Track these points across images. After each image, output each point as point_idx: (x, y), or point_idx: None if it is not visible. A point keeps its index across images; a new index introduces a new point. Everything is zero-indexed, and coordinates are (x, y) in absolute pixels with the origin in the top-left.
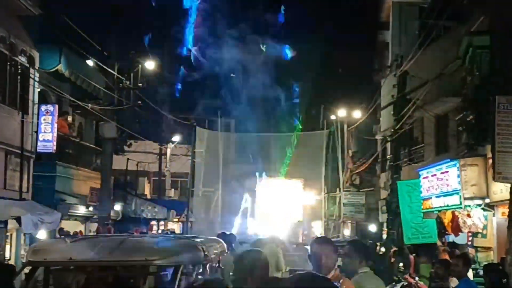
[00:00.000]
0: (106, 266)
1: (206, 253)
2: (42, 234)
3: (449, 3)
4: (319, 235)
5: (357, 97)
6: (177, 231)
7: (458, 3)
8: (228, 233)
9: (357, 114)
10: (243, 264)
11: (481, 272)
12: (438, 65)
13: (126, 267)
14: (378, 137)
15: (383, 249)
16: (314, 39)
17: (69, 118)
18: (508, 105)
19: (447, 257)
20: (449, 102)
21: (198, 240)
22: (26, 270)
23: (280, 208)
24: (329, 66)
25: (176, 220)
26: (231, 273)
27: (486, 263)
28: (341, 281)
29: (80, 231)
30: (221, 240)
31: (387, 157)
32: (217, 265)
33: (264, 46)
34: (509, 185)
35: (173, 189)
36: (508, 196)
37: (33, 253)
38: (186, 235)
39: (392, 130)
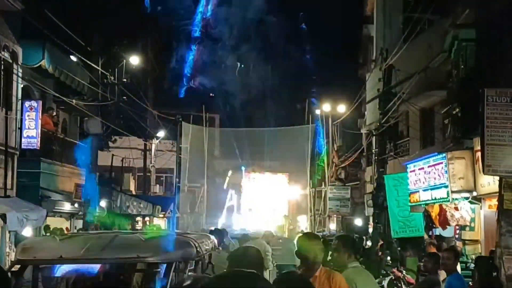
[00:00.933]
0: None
1: (198, 249)
2: (27, 231)
3: None
4: (304, 230)
5: (341, 91)
6: (163, 227)
7: None
8: (220, 228)
9: (342, 108)
10: (237, 262)
11: (471, 266)
12: (423, 58)
13: (118, 264)
14: (363, 131)
15: (369, 243)
16: (298, 33)
17: (54, 113)
18: (497, 97)
19: (434, 250)
20: (434, 95)
21: (190, 236)
22: (14, 269)
23: (266, 203)
24: (314, 60)
25: (162, 216)
26: (224, 270)
27: (475, 256)
28: (331, 276)
29: (67, 228)
30: (211, 236)
31: (373, 151)
32: (208, 262)
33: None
34: (497, 178)
35: (158, 185)
36: (496, 189)
37: (22, 251)
38: (177, 231)
39: (378, 124)
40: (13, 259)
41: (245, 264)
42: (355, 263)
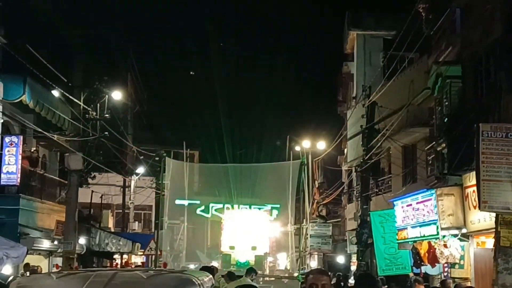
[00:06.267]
0: None
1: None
2: (7, 270)
3: (413, 36)
4: (288, 267)
5: (320, 128)
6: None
7: (422, 36)
8: (209, 266)
9: (322, 145)
10: None
11: None
12: (406, 95)
13: None
14: (345, 168)
15: (352, 281)
16: (277, 71)
17: (33, 149)
18: (492, 132)
19: (422, 287)
20: (417, 132)
21: (192, 274)
22: None
23: (247, 240)
24: (294, 96)
25: (141, 253)
26: None
27: None
28: None
29: (39, 267)
30: (208, 273)
31: (354, 187)
32: None
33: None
34: (488, 215)
35: (136, 222)
36: (486, 226)
37: None
38: (177, 269)
39: (361, 160)
40: None
41: None
42: None
